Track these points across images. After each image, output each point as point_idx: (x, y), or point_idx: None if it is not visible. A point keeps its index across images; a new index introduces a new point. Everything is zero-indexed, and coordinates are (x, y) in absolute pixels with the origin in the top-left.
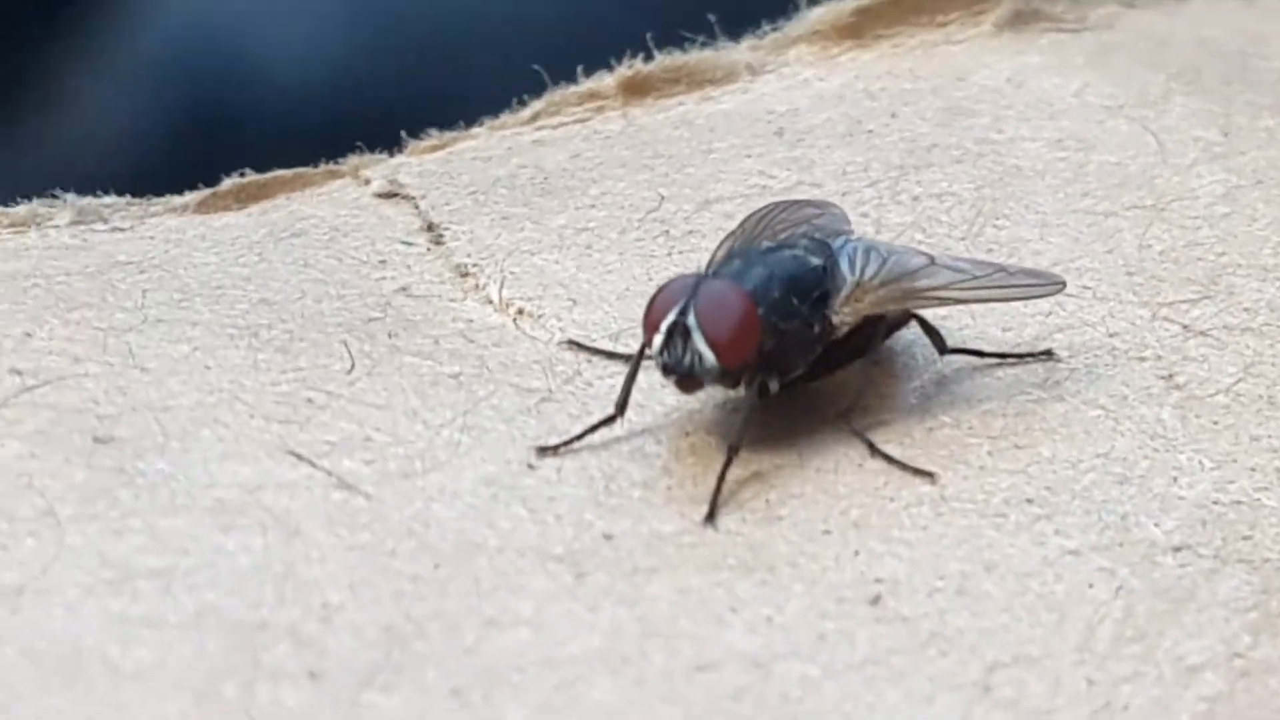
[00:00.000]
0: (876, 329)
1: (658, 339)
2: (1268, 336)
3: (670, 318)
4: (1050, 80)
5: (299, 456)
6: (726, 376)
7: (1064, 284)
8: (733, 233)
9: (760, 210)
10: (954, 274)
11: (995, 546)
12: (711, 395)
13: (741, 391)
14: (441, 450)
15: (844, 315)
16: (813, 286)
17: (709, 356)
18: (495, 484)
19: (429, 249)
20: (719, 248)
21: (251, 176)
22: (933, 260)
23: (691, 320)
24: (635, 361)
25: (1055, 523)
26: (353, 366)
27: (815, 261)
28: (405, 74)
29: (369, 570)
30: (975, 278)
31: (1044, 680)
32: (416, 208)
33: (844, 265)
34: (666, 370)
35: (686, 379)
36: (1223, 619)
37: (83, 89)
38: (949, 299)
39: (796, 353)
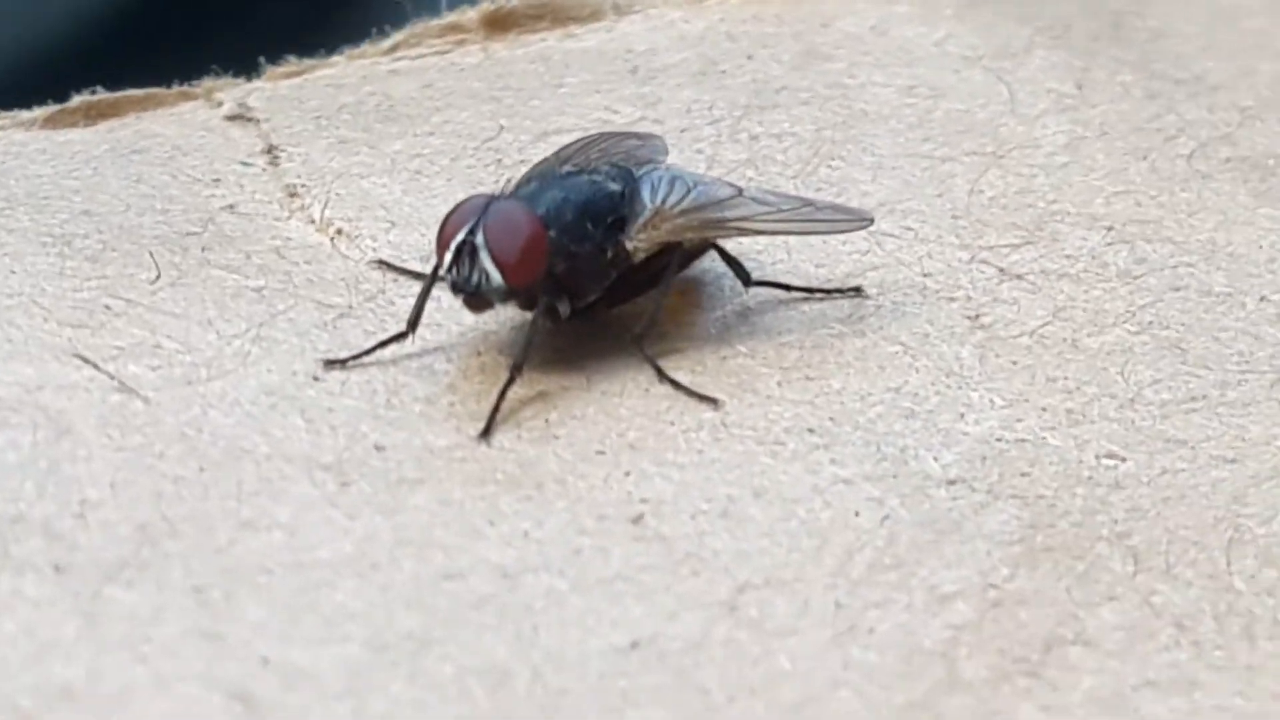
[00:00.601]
0: (671, 258)
1: (447, 257)
2: (1084, 282)
3: (459, 237)
4: (914, 29)
5: (84, 359)
6: (515, 296)
7: (872, 220)
8: (546, 159)
9: (582, 139)
10: (760, 206)
11: (768, 473)
12: (510, 317)
13: None
14: (229, 359)
15: (639, 241)
16: (607, 211)
17: (495, 276)
18: (276, 394)
19: (264, 170)
20: (530, 170)
21: (102, 94)
22: (740, 192)
23: (479, 239)
24: (429, 280)
25: (832, 452)
26: (158, 276)
27: (613, 187)
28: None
29: (133, 470)
30: (781, 210)
31: (792, 602)
32: (260, 130)
33: (645, 192)
34: (455, 288)
35: (474, 298)
36: (984, 551)
37: None
38: (751, 230)
39: (589, 277)
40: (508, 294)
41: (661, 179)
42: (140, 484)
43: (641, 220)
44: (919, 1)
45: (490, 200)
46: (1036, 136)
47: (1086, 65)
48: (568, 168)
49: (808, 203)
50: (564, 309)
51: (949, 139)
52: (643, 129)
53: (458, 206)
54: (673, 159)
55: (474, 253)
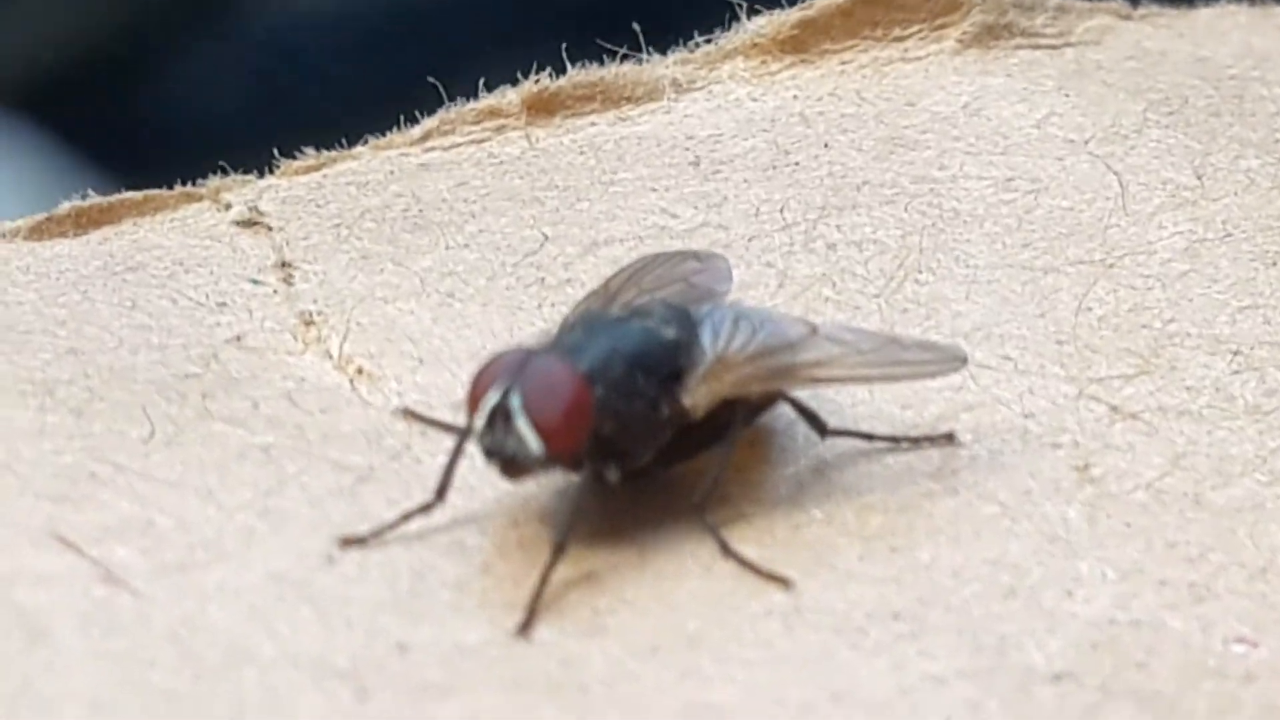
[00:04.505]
0: (736, 412)
1: (479, 419)
2: (1207, 421)
3: (494, 399)
4: (1012, 107)
5: (66, 542)
6: (557, 463)
7: (964, 360)
8: (595, 292)
9: (633, 265)
10: (836, 347)
11: (847, 670)
12: (551, 479)
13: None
14: (231, 538)
15: (698, 396)
16: (662, 363)
17: (534, 442)
18: (284, 581)
19: (276, 290)
20: (574, 310)
21: (94, 199)
22: (814, 330)
23: (515, 402)
24: (459, 441)
25: (921, 642)
26: (152, 434)
27: (669, 334)
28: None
29: (118, 683)
30: (861, 352)
31: None
32: (273, 240)
33: (705, 337)
34: (489, 454)
35: (510, 465)
36: None
37: None
38: (826, 378)
39: (641, 438)
40: (548, 461)
41: (724, 320)
42: (126, 700)
43: (701, 371)
44: (1017, 72)
45: (528, 355)
46: (1151, 240)
47: (1207, 148)
48: (615, 310)
49: (892, 340)
50: (613, 474)
51: (1051, 244)
52: (705, 235)
53: (492, 360)
54: (739, 274)
55: (509, 417)
